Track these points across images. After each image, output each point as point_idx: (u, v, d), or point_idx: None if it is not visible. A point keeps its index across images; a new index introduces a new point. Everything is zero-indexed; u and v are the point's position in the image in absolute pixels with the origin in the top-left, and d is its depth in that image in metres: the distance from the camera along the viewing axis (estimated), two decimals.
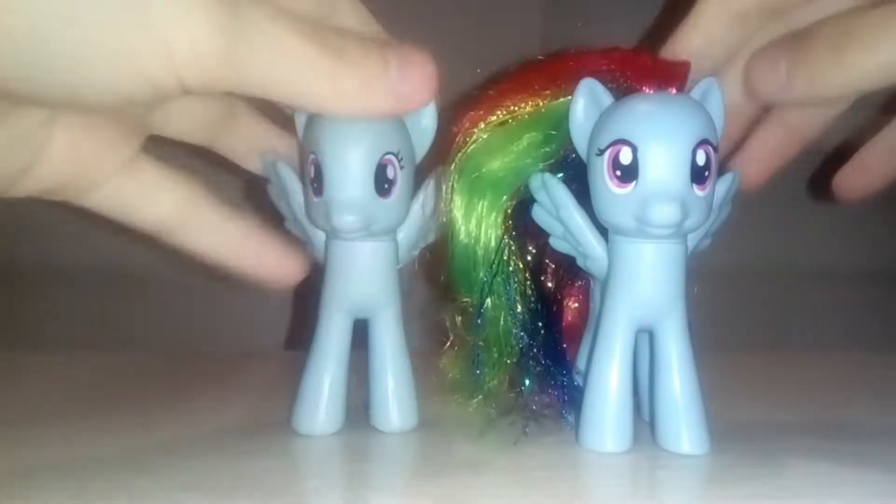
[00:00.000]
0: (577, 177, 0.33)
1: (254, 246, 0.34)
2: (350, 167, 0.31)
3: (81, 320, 0.55)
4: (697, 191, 0.30)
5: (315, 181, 0.32)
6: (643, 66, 0.33)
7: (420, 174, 0.35)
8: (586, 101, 0.32)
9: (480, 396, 0.36)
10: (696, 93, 0.32)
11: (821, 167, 0.50)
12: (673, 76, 0.32)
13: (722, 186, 0.33)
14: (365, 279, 0.34)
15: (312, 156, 0.32)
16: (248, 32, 0.26)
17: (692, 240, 0.33)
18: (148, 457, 0.31)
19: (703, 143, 0.30)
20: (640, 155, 0.30)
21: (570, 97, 0.32)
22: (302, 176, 0.34)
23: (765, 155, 0.38)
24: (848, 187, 0.39)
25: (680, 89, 0.32)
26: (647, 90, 0.32)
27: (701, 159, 0.30)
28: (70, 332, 0.55)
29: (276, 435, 0.34)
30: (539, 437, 0.34)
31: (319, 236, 0.35)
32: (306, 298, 0.38)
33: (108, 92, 0.25)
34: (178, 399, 0.41)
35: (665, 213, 0.29)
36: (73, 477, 0.29)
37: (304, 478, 0.30)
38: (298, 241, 0.36)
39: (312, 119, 0.33)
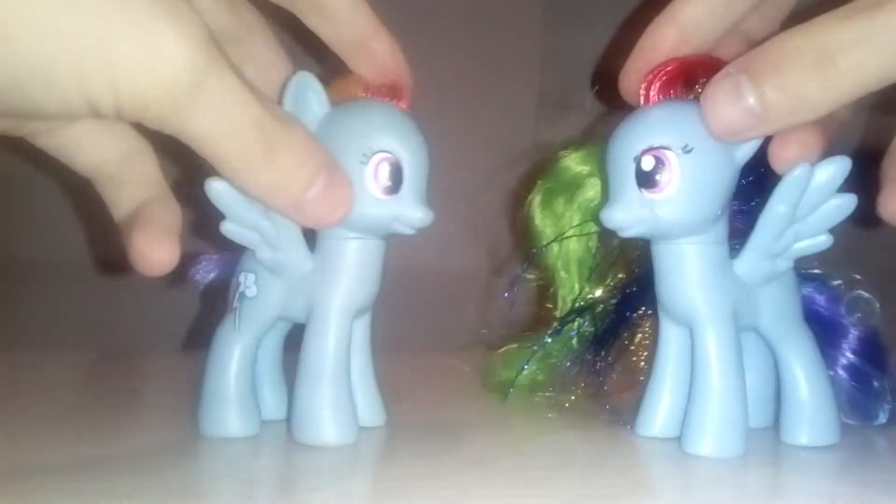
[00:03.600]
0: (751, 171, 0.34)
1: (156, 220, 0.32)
2: (426, 167, 0.33)
3: (80, 320, 0.56)
4: (649, 195, 0.31)
5: (391, 180, 0.32)
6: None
7: None
8: None
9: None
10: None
11: None
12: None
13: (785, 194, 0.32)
14: (375, 278, 0.34)
15: (385, 155, 0.32)
16: (213, 85, 0.26)
17: (755, 258, 0.33)
18: (148, 457, 0.31)
19: (651, 150, 0.31)
20: (605, 164, 0.33)
21: None
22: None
23: None
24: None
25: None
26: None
27: (647, 165, 0.31)
28: (69, 332, 0.55)
29: (273, 434, 0.35)
30: (539, 437, 0.34)
31: (299, 250, 0.33)
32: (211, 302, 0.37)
33: (48, 108, 0.25)
34: (178, 399, 0.40)
35: (605, 216, 0.32)
36: (73, 477, 0.29)
37: (300, 477, 0.30)
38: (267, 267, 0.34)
39: (371, 117, 0.33)
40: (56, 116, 0.27)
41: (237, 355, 0.34)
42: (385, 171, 0.32)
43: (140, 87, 0.24)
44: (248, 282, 0.34)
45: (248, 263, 0.35)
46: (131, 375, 0.47)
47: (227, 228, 0.33)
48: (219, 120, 0.26)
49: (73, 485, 0.28)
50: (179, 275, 0.33)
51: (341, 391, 0.33)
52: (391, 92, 0.34)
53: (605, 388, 0.39)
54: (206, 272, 0.37)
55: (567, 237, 0.39)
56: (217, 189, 0.31)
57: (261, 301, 0.34)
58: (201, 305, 0.52)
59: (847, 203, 0.32)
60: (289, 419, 0.34)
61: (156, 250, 0.30)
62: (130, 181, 0.32)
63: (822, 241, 0.33)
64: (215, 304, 0.36)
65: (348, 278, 0.33)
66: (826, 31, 0.27)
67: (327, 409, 0.32)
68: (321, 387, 0.32)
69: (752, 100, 0.29)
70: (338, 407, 0.32)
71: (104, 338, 0.56)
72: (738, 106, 0.29)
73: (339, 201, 0.31)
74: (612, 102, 0.35)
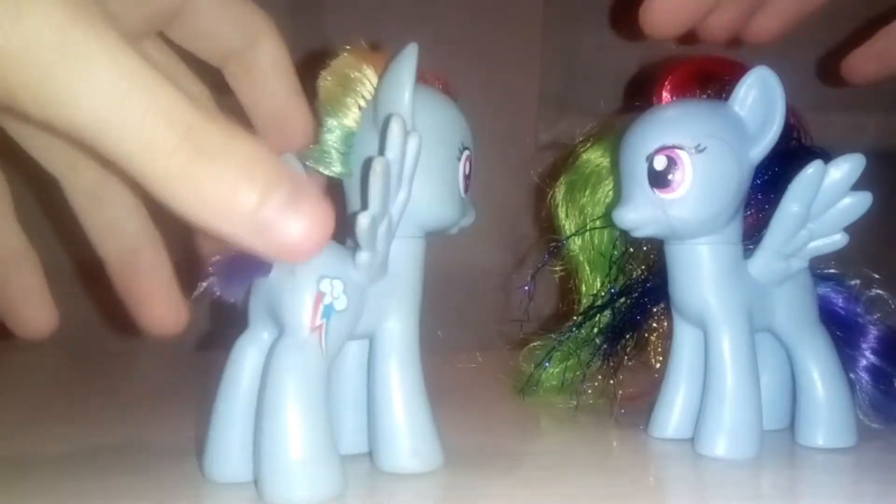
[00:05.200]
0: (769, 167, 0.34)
1: (153, 290, 0.31)
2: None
3: (81, 321, 0.55)
4: (661, 195, 0.31)
5: (468, 178, 0.31)
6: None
7: None
8: None
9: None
10: (739, 90, 0.31)
11: None
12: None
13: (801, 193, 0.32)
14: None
15: (468, 152, 0.30)
16: (91, 50, 0.20)
17: (769, 258, 0.33)
18: (148, 457, 0.31)
19: (664, 149, 0.30)
20: (618, 163, 0.32)
21: None
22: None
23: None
24: (857, 72, 0.36)
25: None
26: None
27: (660, 165, 0.31)
28: (69, 332, 0.55)
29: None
30: (540, 437, 0.34)
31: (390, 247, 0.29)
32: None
33: None
34: (180, 399, 0.40)
35: (617, 216, 0.32)
36: (74, 476, 0.29)
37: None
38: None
39: (455, 111, 0.30)
40: None
41: (322, 386, 0.27)
42: (467, 169, 0.30)
43: None
44: (335, 291, 0.27)
45: (329, 267, 0.27)
46: (143, 375, 0.47)
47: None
48: (111, 99, 0.20)
49: (73, 485, 0.28)
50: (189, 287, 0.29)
51: (429, 412, 0.30)
52: (445, 85, 0.31)
53: (620, 388, 0.38)
54: (224, 281, 0.27)
55: (589, 230, 0.39)
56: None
57: (351, 315, 0.28)
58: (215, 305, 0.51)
59: (861, 201, 0.32)
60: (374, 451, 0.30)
61: (168, 315, 0.29)
62: (108, 202, 0.30)
63: (837, 240, 0.33)
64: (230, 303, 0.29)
65: (420, 282, 0.30)
66: None
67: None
68: (424, 406, 0.30)
69: None
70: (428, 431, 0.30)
71: (116, 338, 0.55)
72: None
73: (312, 222, 0.23)
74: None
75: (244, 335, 0.28)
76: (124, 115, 0.20)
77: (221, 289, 0.27)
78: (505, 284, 0.51)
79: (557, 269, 0.41)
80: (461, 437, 0.34)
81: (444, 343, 0.46)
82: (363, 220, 0.26)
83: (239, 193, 0.22)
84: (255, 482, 0.26)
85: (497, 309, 0.55)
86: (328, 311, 0.27)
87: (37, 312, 0.30)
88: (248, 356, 0.28)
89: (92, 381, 0.45)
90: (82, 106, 0.20)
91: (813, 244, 0.32)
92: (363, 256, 0.27)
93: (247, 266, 0.27)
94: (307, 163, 0.29)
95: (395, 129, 0.26)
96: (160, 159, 0.21)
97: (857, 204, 0.32)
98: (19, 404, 0.40)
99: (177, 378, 0.45)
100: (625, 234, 0.33)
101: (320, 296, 0.27)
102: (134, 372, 0.47)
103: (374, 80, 0.29)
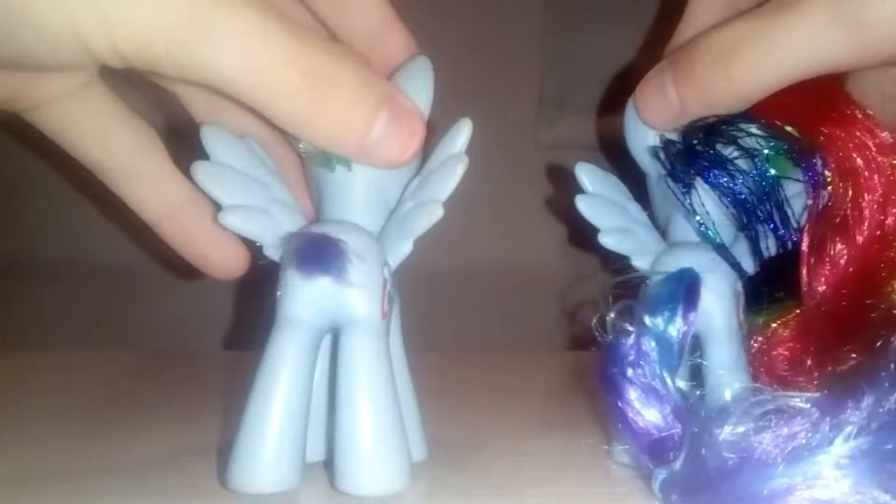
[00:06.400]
0: None
1: (192, 220, 0.32)
2: None
3: (81, 320, 0.55)
4: None
5: None
6: None
7: None
8: None
9: None
10: None
11: None
12: None
13: None
14: None
15: None
16: (225, 15, 0.23)
17: None
18: (148, 458, 0.31)
19: None
20: None
21: None
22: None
23: None
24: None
25: None
26: None
27: None
28: (70, 332, 0.55)
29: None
30: (540, 437, 0.34)
31: None
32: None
33: (40, 55, 0.24)
34: (179, 399, 0.40)
35: None
36: (73, 477, 0.29)
37: None
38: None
39: None
40: (53, 66, 0.25)
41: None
42: None
43: (136, 25, 0.23)
44: (389, 277, 0.28)
45: (383, 254, 0.28)
46: (171, 374, 0.47)
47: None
48: (240, 58, 0.24)
49: (77, 487, 0.28)
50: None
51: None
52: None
53: None
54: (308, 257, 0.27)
55: None
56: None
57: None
58: (240, 299, 0.51)
59: None
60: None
61: (229, 259, 0.31)
62: (142, 175, 0.31)
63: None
64: (256, 297, 0.29)
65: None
66: (733, 30, 0.28)
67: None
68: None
69: (672, 93, 0.30)
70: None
71: (142, 336, 0.55)
72: (661, 99, 0.30)
73: (408, 136, 0.27)
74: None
75: (284, 333, 0.26)
76: (251, 73, 0.24)
77: (304, 262, 0.26)
78: (504, 283, 0.51)
79: None
80: (461, 436, 0.35)
81: (440, 343, 0.47)
82: (440, 212, 0.27)
83: (351, 123, 0.26)
84: (348, 476, 0.25)
85: (494, 308, 0.55)
86: (390, 297, 0.28)
87: (226, 251, 0.32)
88: (290, 356, 0.26)
89: (115, 380, 0.45)
90: (215, 69, 0.24)
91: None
92: (409, 246, 0.28)
93: (326, 255, 0.26)
94: (302, 153, 0.29)
95: (467, 132, 0.28)
96: (284, 101, 0.25)
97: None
98: (29, 405, 0.39)
99: (200, 379, 0.45)
100: None
101: (385, 282, 0.27)
102: (154, 372, 0.47)
103: None
